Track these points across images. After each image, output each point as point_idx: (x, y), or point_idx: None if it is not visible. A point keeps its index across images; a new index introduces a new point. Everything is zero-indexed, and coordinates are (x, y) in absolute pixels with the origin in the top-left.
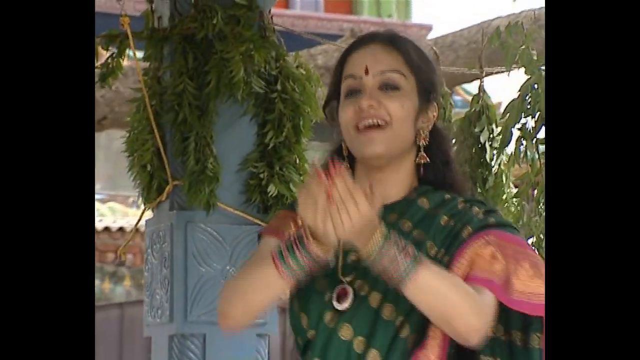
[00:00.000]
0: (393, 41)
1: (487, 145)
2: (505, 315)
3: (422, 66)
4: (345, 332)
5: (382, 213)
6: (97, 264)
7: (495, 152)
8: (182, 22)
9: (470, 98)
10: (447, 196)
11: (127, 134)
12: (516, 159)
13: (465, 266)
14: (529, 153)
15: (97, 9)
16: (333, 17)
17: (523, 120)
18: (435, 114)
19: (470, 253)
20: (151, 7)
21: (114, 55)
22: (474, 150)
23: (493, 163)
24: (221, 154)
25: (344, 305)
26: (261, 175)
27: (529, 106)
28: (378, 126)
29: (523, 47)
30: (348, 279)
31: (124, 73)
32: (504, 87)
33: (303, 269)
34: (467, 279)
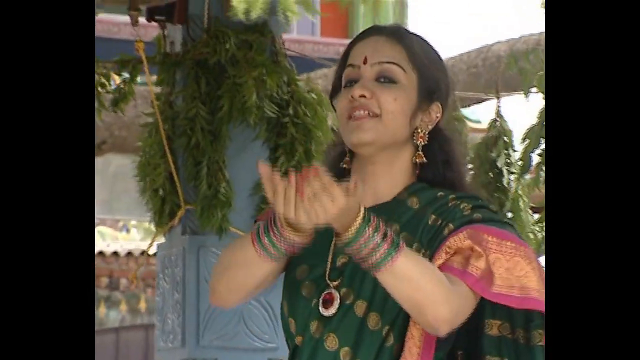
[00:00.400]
0: (398, 35)
1: (504, 170)
2: (508, 312)
3: (427, 63)
4: (331, 342)
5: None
6: None
7: (512, 176)
8: (195, 47)
9: (466, 122)
10: (440, 193)
11: (139, 158)
12: (536, 184)
13: (443, 260)
14: None
15: (105, 34)
16: (329, 41)
17: (543, 146)
18: (439, 115)
19: (448, 248)
20: (163, 32)
21: (126, 80)
22: (491, 175)
23: (510, 188)
24: (233, 179)
25: (330, 311)
26: None
27: None
28: (368, 115)
29: (541, 72)
30: (335, 283)
31: (103, 97)
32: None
33: (279, 250)
34: (442, 267)
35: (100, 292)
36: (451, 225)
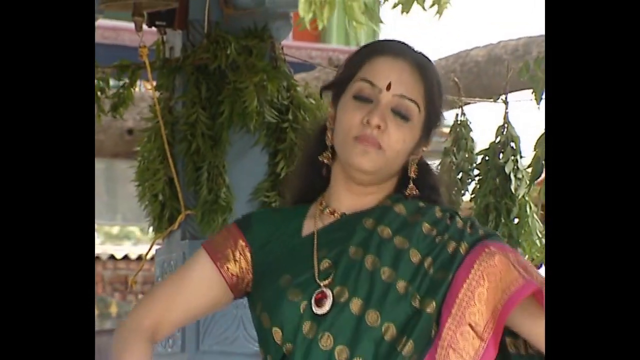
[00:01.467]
0: (423, 68)
1: (511, 176)
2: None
3: (437, 103)
4: (326, 341)
5: (357, 218)
6: None
7: (519, 183)
8: (195, 52)
9: (442, 129)
10: (421, 204)
11: (138, 164)
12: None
13: (485, 283)
14: None
15: (105, 40)
16: (302, 45)
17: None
18: (426, 147)
19: (480, 268)
20: (162, 38)
21: (125, 85)
22: (498, 181)
23: (518, 194)
24: (233, 184)
25: (323, 309)
26: (273, 205)
27: None
28: (375, 146)
29: None
30: (326, 282)
31: (102, 102)
32: (481, 117)
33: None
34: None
35: None
36: (465, 244)
